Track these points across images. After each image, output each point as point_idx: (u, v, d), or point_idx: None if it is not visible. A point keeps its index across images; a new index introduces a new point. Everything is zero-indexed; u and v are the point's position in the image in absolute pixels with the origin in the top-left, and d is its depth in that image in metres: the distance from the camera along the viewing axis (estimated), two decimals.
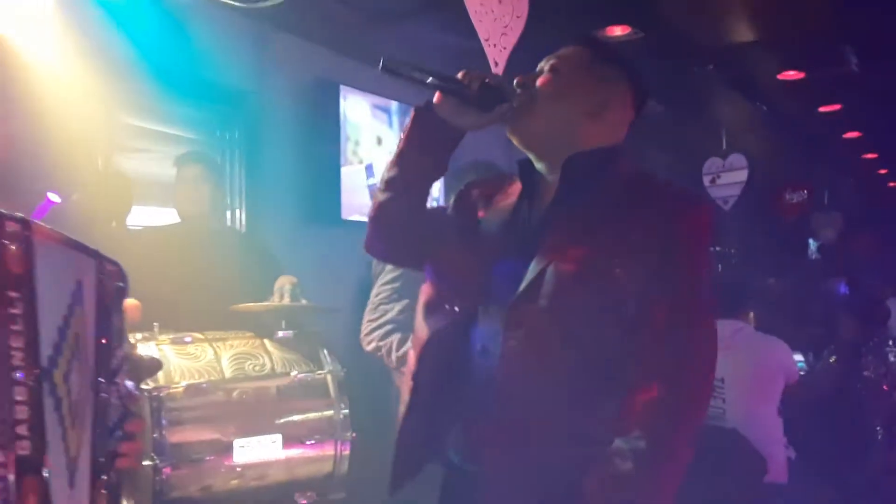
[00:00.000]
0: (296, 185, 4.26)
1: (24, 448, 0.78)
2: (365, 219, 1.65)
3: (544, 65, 1.55)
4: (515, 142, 1.56)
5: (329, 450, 2.74)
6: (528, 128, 1.53)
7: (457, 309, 1.52)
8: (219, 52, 3.70)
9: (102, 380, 0.97)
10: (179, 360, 2.57)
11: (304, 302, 2.83)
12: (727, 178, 6.23)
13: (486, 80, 1.48)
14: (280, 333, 2.82)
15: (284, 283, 2.88)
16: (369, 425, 2.95)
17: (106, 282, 0.99)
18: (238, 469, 2.54)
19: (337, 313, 3.34)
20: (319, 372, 2.80)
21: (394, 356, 3.09)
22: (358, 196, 4.36)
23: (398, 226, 1.61)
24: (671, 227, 1.40)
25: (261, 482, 2.61)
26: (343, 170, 4.33)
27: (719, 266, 7.15)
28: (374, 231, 1.65)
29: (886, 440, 3.66)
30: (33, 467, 0.79)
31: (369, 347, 3.20)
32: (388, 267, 3.15)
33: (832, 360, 4.01)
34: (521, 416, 1.43)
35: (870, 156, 8.13)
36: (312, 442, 2.69)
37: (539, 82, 1.52)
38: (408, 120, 1.56)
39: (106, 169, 3.31)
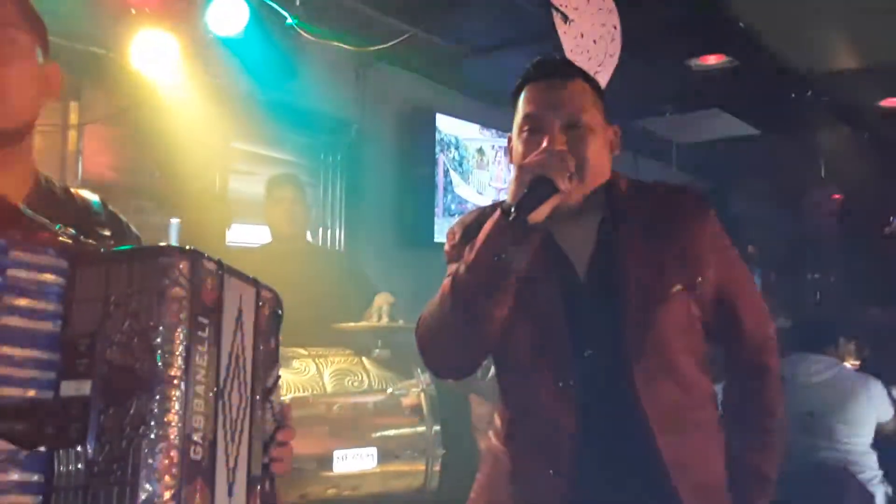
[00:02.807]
0: (392, 207, 4.45)
1: (197, 454, 0.91)
2: None
3: (562, 120, 1.43)
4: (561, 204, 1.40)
5: (420, 465, 2.87)
6: (579, 191, 1.44)
7: (571, 383, 1.41)
8: (323, 83, 3.94)
9: (258, 398, 1.07)
10: (285, 374, 2.74)
11: (400, 322, 2.97)
12: (826, 206, 6.10)
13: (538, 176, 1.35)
14: (377, 351, 2.97)
15: (382, 302, 3.01)
16: (459, 443, 3.05)
17: (263, 307, 1.08)
18: (335, 479, 2.69)
19: None
20: (414, 390, 2.93)
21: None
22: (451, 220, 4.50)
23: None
24: (699, 219, 1.50)
25: (355, 492, 2.75)
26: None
27: (818, 294, 6.93)
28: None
29: None
30: (202, 472, 0.92)
31: None
32: None
33: None
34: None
35: None
36: (405, 456, 2.82)
37: (587, 151, 1.44)
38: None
39: (221, 191, 3.54)
